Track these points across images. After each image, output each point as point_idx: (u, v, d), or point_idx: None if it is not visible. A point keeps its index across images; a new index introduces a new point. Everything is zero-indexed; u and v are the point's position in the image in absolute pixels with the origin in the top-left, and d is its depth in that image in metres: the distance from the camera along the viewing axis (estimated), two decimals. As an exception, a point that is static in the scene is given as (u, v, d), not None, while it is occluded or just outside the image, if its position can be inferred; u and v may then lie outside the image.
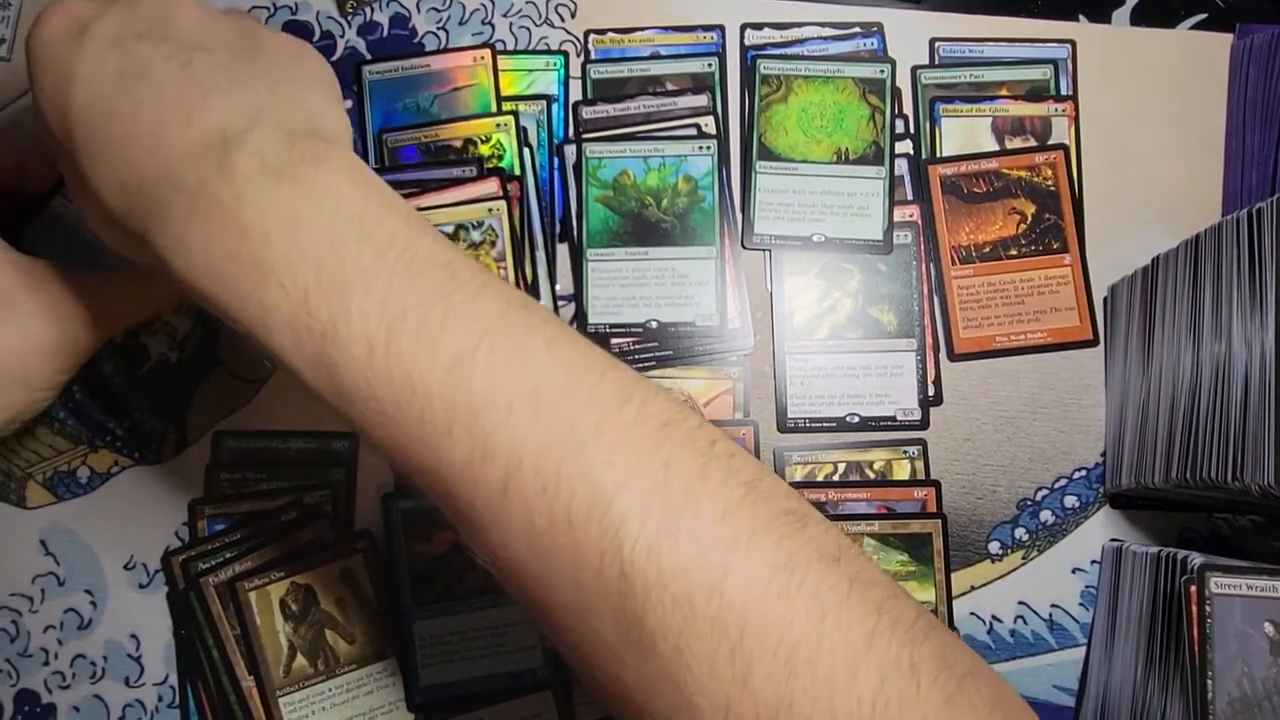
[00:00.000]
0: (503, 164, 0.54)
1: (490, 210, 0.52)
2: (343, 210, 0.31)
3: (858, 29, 0.56)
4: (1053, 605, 0.52)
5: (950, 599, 0.50)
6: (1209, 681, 0.40)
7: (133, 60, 0.34)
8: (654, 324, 0.53)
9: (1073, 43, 0.56)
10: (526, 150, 0.54)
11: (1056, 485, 0.53)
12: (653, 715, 0.28)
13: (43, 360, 0.41)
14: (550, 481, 0.28)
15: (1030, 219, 0.54)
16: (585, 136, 0.54)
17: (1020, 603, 0.52)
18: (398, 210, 0.33)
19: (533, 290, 0.53)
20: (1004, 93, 0.56)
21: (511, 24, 0.56)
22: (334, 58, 0.56)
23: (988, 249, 0.54)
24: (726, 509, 0.28)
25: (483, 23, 0.56)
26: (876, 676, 0.27)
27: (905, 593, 0.30)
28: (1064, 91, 0.56)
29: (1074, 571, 0.52)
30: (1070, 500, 0.52)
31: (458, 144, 0.54)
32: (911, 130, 0.55)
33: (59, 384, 0.43)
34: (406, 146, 0.54)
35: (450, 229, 0.52)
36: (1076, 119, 0.56)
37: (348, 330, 0.30)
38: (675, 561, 0.27)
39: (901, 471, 0.52)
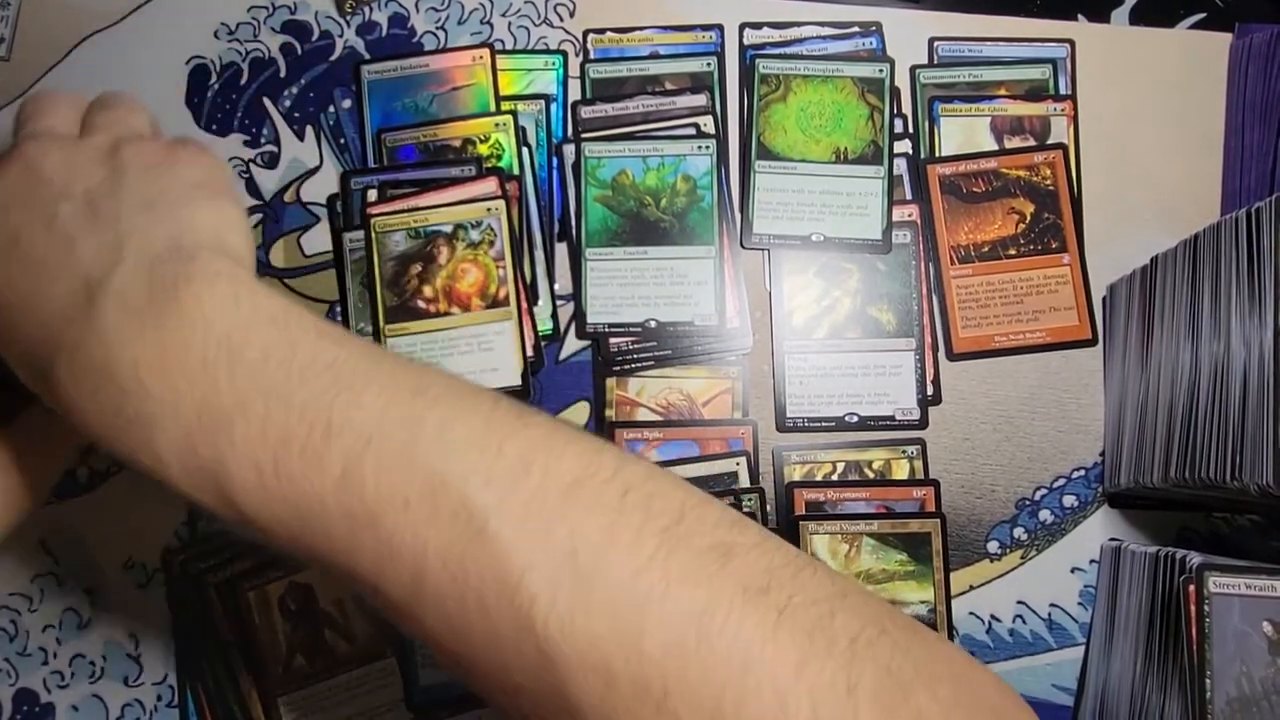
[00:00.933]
0: (501, 164, 0.54)
1: (489, 210, 0.52)
2: (211, 334, 0.30)
3: (856, 28, 0.56)
4: (1051, 605, 0.52)
5: (949, 598, 0.50)
6: (1207, 681, 0.40)
7: (3, 234, 0.33)
8: (653, 324, 0.53)
9: (1072, 42, 0.56)
10: (525, 150, 0.54)
11: (1055, 485, 0.53)
12: None
13: None
14: (458, 573, 0.28)
15: (1029, 218, 0.54)
16: (584, 136, 0.54)
17: (1019, 602, 0.52)
18: (270, 313, 0.31)
19: (532, 290, 0.53)
20: (1003, 92, 0.56)
21: (510, 23, 0.56)
22: (333, 57, 0.56)
23: (987, 248, 0.54)
24: (638, 567, 0.28)
25: (481, 22, 0.56)
26: (809, 706, 0.26)
27: (854, 602, 0.29)
28: (1063, 91, 0.56)
29: (1073, 571, 0.52)
30: (1069, 500, 0.52)
31: (456, 144, 0.54)
32: (910, 130, 0.55)
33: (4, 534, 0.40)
34: (405, 146, 0.54)
35: (449, 229, 0.52)
36: (1075, 118, 0.56)
37: (236, 462, 0.29)
38: (589, 632, 0.27)
39: (900, 471, 0.52)
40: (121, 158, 0.35)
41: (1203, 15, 0.57)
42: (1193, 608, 0.41)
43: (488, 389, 0.32)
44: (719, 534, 0.29)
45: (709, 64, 0.56)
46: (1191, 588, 0.41)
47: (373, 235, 0.52)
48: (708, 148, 0.54)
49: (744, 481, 0.51)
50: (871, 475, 0.52)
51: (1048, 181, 0.55)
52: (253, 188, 0.55)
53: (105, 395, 0.31)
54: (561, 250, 0.54)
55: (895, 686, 0.27)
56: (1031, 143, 0.55)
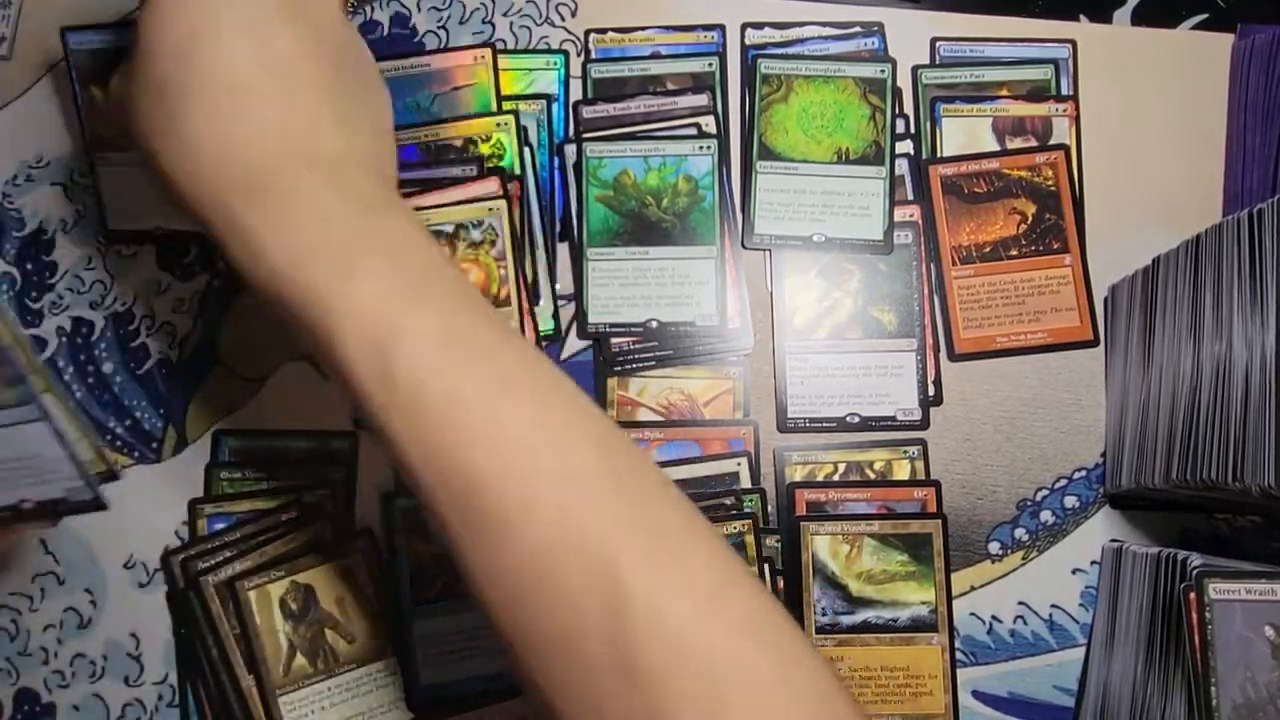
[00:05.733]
0: (503, 163, 0.54)
1: (490, 210, 0.52)
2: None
3: (858, 28, 0.56)
4: (1052, 605, 0.52)
5: (950, 599, 0.50)
6: (1212, 689, 0.40)
7: (268, 49, 0.35)
8: (654, 324, 0.53)
9: (1073, 42, 0.56)
10: (527, 149, 0.54)
11: (1056, 485, 0.53)
12: None
13: None
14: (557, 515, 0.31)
15: (1031, 219, 0.54)
16: (585, 136, 0.54)
17: (1020, 603, 0.52)
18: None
19: (533, 290, 0.53)
20: (1005, 92, 0.56)
21: (512, 23, 0.56)
22: (334, 57, 0.56)
23: (988, 249, 0.54)
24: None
25: (483, 22, 0.56)
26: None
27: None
28: (1065, 91, 0.56)
29: (1074, 572, 0.52)
30: (1070, 500, 0.52)
31: (458, 143, 0.54)
32: (912, 130, 0.55)
33: None
34: (407, 146, 0.54)
35: (450, 228, 0.52)
36: (1077, 119, 0.56)
37: (411, 338, 0.32)
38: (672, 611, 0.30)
39: (901, 471, 0.52)
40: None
41: (1205, 16, 0.57)
42: (1194, 615, 0.41)
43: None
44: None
45: (710, 64, 0.56)
46: (1192, 595, 0.41)
47: (374, 235, 0.52)
48: (709, 148, 0.54)
49: (745, 482, 0.51)
50: (873, 476, 0.52)
51: (1049, 182, 0.55)
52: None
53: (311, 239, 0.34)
54: (563, 250, 0.54)
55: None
56: (1033, 143, 0.55)
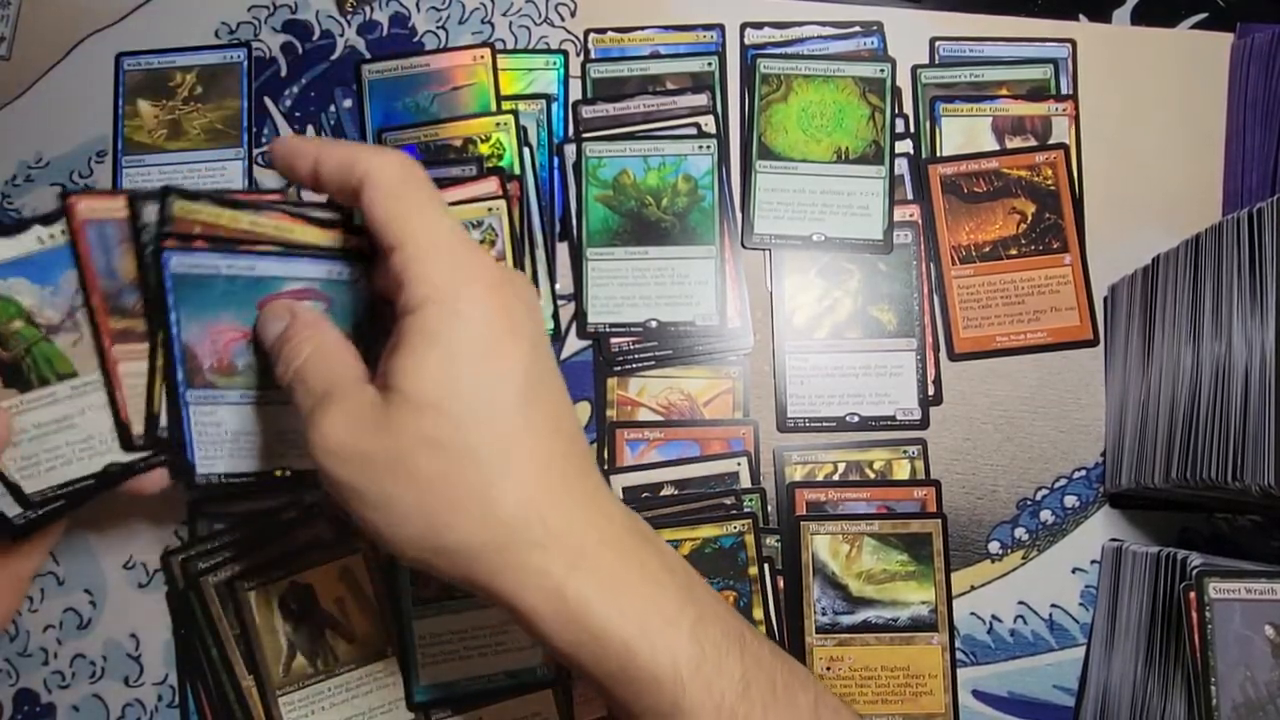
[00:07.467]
0: (502, 163, 0.54)
1: (490, 210, 0.52)
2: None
3: (858, 28, 0.56)
4: (1052, 605, 0.52)
5: (950, 599, 0.50)
6: (1212, 688, 0.40)
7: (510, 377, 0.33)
8: (654, 323, 0.53)
9: (1073, 42, 0.56)
10: (526, 149, 0.54)
11: (1056, 485, 0.53)
12: None
13: None
14: None
15: (1030, 218, 0.54)
16: (585, 136, 0.54)
17: (1020, 602, 0.52)
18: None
19: (532, 290, 0.53)
20: (1004, 92, 0.56)
21: (511, 23, 0.56)
22: (334, 57, 0.56)
23: (988, 248, 0.54)
24: None
25: (482, 22, 0.56)
26: None
27: None
28: (1064, 91, 0.56)
29: (1074, 571, 0.52)
30: (1070, 500, 0.52)
31: (457, 143, 0.54)
32: (911, 130, 0.55)
33: None
34: (406, 146, 0.54)
35: (450, 228, 0.52)
36: (1077, 118, 0.56)
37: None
38: None
39: (901, 471, 0.52)
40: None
41: (1204, 15, 0.57)
42: (1194, 614, 0.41)
43: None
44: None
45: (710, 64, 0.56)
46: (1192, 594, 0.41)
47: (373, 235, 0.52)
48: (709, 147, 0.54)
49: (745, 482, 0.51)
50: (872, 475, 0.52)
51: (1049, 181, 0.55)
52: (255, 188, 0.55)
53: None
54: (562, 250, 0.54)
55: None
56: (1033, 143, 0.55)
